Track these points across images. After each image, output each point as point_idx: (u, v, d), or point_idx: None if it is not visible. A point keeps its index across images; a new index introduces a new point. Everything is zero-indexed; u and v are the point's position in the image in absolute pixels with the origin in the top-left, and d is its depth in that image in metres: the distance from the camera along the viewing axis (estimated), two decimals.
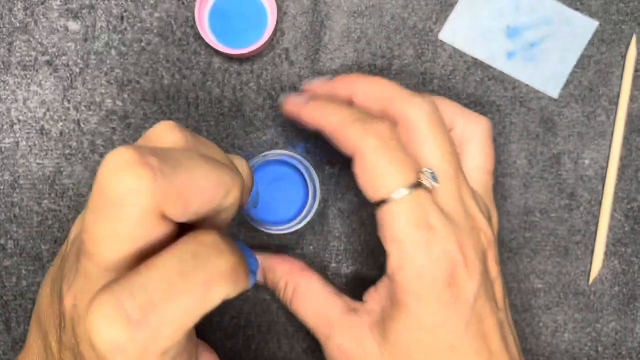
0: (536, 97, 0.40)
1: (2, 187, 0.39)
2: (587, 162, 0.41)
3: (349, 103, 0.32)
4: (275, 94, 0.40)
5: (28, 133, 0.39)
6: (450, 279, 0.28)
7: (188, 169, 0.20)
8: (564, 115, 0.40)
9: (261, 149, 0.40)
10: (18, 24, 0.39)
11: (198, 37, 0.39)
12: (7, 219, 0.39)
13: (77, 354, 0.24)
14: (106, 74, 0.39)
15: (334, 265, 0.40)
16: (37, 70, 0.39)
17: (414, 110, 0.30)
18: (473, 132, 0.33)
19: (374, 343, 0.30)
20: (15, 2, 0.39)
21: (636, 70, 0.40)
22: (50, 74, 0.39)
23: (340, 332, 0.31)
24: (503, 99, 0.40)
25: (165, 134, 0.23)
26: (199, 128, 0.39)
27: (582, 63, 0.41)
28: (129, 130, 0.39)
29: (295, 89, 0.40)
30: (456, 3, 0.40)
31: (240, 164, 0.25)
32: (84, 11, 0.39)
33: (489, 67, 0.40)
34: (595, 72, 0.41)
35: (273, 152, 0.36)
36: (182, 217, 0.20)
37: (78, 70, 0.39)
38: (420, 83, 0.40)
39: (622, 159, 0.40)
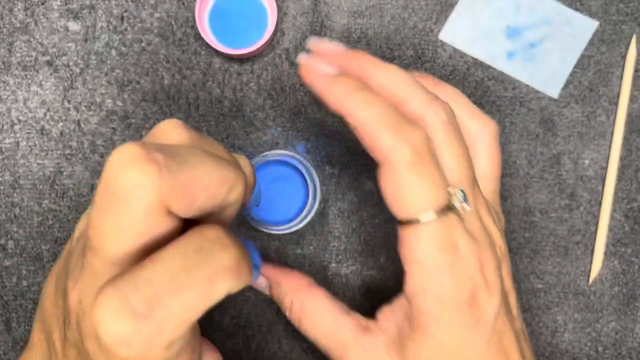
0: (536, 97, 0.40)
1: (2, 187, 0.39)
2: (586, 162, 0.41)
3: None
4: (275, 94, 0.40)
5: (28, 133, 0.39)
6: (470, 300, 0.27)
7: (193, 165, 0.20)
8: (564, 115, 0.40)
9: (261, 149, 0.40)
10: (18, 24, 0.39)
11: (198, 37, 0.39)
12: (7, 219, 0.39)
13: (82, 350, 0.24)
14: (106, 74, 0.39)
15: (334, 265, 0.40)
16: (37, 70, 0.39)
17: (431, 116, 0.28)
18: (481, 134, 0.33)
19: None
20: (16, 2, 0.39)
21: (636, 70, 0.41)
22: (51, 74, 0.39)
23: (355, 353, 0.30)
24: (503, 99, 0.40)
25: (171, 131, 0.23)
26: (199, 128, 0.39)
27: (582, 63, 0.41)
28: (129, 130, 0.39)
29: (295, 88, 0.40)
30: (456, 3, 0.40)
31: (243, 161, 0.26)
32: (84, 11, 0.39)
33: (489, 67, 0.40)
34: (595, 72, 0.41)
35: (273, 152, 0.36)
36: (187, 212, 0.20)
37: (78, 71, 0.39)
38: None
39: (621, 159, 0.41)
